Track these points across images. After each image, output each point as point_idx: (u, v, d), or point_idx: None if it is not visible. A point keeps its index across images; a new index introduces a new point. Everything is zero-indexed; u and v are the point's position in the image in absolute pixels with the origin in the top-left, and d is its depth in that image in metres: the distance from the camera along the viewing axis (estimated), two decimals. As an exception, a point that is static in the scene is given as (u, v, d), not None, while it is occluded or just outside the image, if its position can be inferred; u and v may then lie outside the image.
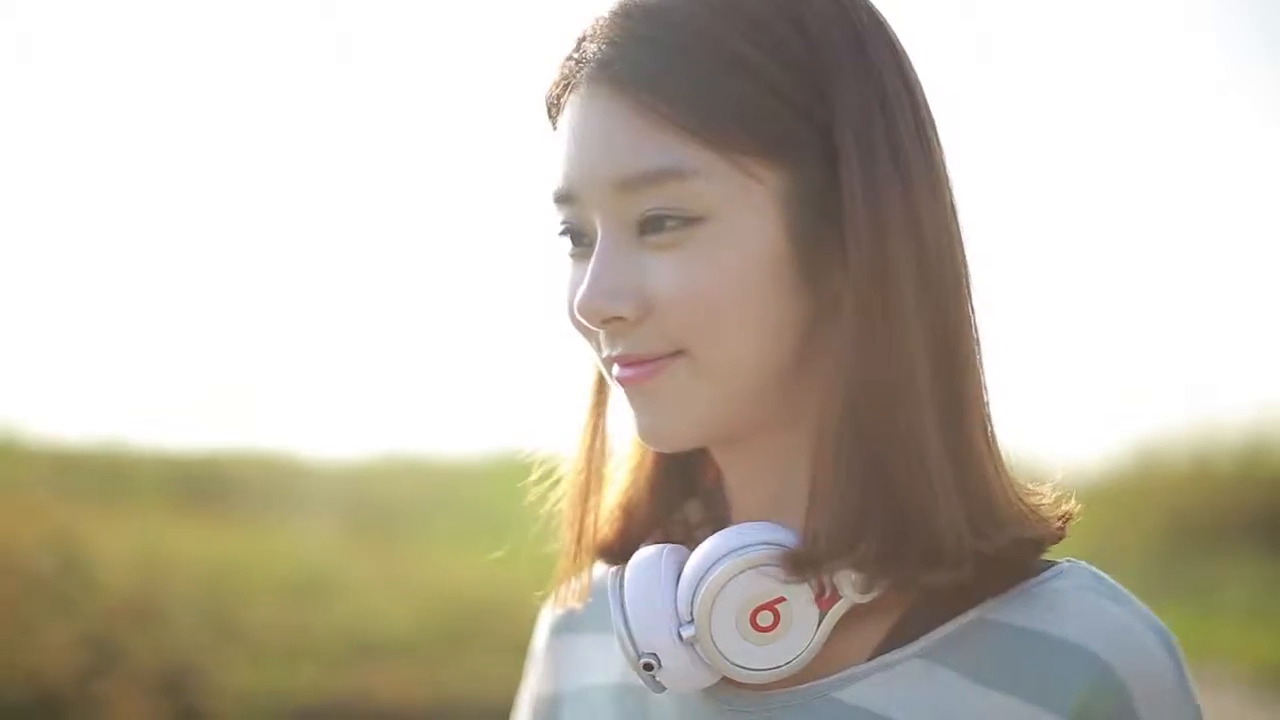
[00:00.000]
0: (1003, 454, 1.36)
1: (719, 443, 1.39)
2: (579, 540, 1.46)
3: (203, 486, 13.06)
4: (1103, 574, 1.37)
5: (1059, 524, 1.37)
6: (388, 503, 13.68)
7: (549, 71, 1.39)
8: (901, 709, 1.32)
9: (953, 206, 1.36)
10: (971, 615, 1.34)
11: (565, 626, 1.54)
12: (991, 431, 1.36)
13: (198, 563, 8.74)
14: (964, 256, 1.36)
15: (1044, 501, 1.38)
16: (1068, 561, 1.37)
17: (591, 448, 1.46)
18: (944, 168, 1.37)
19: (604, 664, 1.49)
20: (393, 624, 8.50)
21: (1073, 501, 1.39)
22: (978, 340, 1.36)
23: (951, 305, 1.34)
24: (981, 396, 1.36)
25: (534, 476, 1.49)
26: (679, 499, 1.47)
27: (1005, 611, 1.33)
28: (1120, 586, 1.36)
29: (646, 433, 1.36)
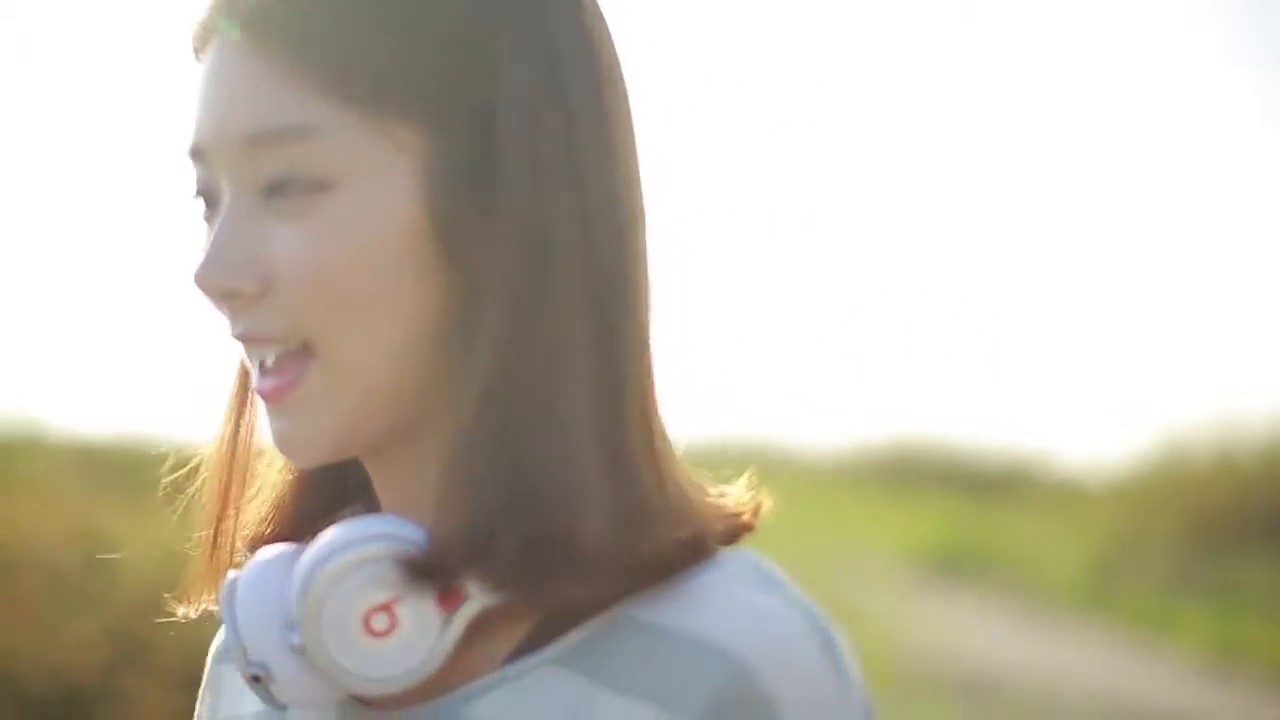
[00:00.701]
0: (671, 449, 1.25)
1: (360, 452, 1.27)
2: (215, 543, 1.34)
3: (226, 481, 13.06)
4: (766, 564, 1.24)
5: (743, 520, 1.26)
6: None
7: (193, 11, 1.27)
8: None
9: (631, 186, 1.25)
10: (611, 615, 1.22)
11: (224, 655, 1.41)
12: (657, 426, 1.24)
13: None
14: (642, 247, 1.25)
15: (724, 498, 1.27)
16: (729, 552, 1.24)
17: (235, 437, 1.33)
18: (626, 146, 1.26)
19: (251, 692, 1.34)
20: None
21: (763, 494, 1.28)
22: (648, 330, 1.25)
23: (619, 296, 1.23)
24: (646, 390, 1.24)
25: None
26: (334, 502, 1.33)
27: (647, 609, 1.21)
28: (782, 577, 1.23)
29: (281, 444, 1.25)
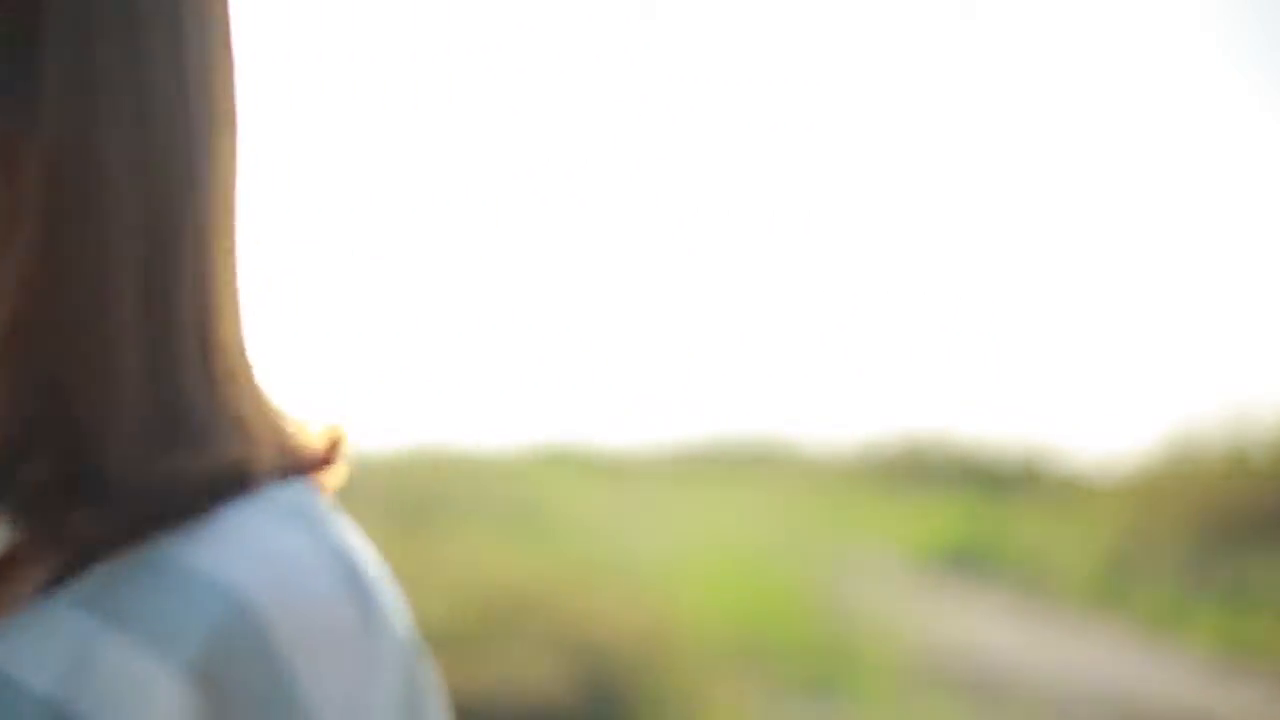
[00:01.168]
0: (242, 376, 1.18)
1: None
2: None
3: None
4: (311, 503, 1.16)
5: (311, 455, 1.18)
6: (423, 496, 13.72)
7: None
8: (33, 668, 1.12)
9: (208, 95, 1.19)
10: (137, 551, 1.13)
11: None
12: (221, 349, 1.17)
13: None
14: (218, 155, 1.19)
15: (296, 433, 1.18)
16: (278, 487, 1.15)
17: None
18: (208, 58, 1.18)
19: None
20: (427, 618, 8.52)
21: (339, 437, 1.19)
22: (219, 243, 1.18)
23: (178, 207, 1.16)
24: (209, 311, 1.17)
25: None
26: None
27: (171, 545, 1.12)
28: (321, 517, 1.14)
29: None
